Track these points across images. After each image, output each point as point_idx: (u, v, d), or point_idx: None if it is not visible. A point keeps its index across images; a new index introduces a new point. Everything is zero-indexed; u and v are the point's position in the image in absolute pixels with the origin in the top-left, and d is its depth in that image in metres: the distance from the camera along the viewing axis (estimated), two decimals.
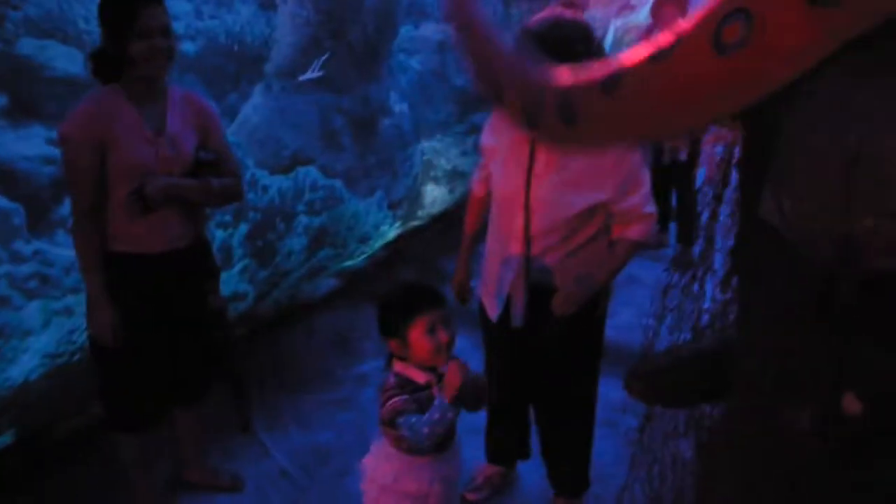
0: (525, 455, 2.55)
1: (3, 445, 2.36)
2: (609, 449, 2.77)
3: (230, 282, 2.94)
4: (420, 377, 1.74)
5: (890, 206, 0.90)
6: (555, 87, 1.11)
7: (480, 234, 2.28)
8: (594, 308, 2.09)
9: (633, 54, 1.05)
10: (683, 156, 4.26)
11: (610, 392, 3.16)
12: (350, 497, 2.18)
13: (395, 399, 1.69)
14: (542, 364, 2.18)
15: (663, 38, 1.05)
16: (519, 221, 1.99)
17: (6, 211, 2.12)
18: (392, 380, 1.73)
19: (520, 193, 1.98)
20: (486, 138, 2.12)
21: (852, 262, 0.97)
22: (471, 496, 2.51)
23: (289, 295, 3.62)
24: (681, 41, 1.00)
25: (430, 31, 4.38)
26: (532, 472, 2.58)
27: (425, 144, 4.23)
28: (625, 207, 1.93)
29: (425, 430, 1.65)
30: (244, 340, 3.38)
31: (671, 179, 4.40)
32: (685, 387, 1.42)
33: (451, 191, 4.63)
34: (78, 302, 2.31)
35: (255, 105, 3.00)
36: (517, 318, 2.11)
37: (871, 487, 1.01)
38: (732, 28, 0.96)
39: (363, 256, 4.18)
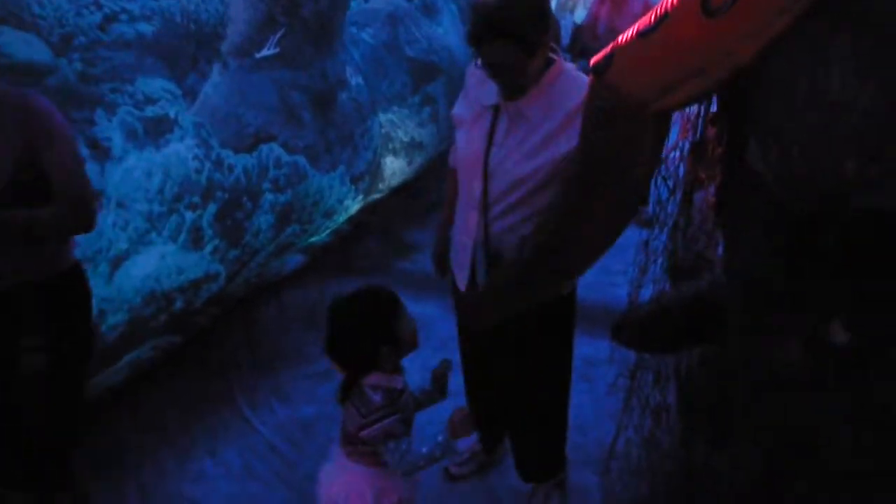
0: (499, 433, 2.56)
1: None
2: (586, 402, 2.88)
3: (202, 263, 2.93)
4: (398, 382, 1.73)
5: (871, 149, 0.98)
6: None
7: None
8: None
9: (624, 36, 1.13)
10: None
11: (587, 349, 3.29)
12: None
13: (388, 421, 1.65)
14: (507, 336, 2.15)
15: (646, 19, 1.13)
16: (478, 187, 2.01)
17: None
18: (378, 398, 1.66)
19: (479, 160, 1.99)
20: (457, 108, 2.14)
21: (836, 204, 1.05)
22: (454, 470, 2.53)
23: (257, 273, 3.62)
24: (669, 14, 1.07)
25: (381, 3, 4.37)
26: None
27: (382, 117, 4.24)
28: None
29: (420, 463, 1.67)
30: (218, 321, 3.38)
31: None
32: (672, 332, 1.50)
33: (409, 162, 4.65)
34: None
35: (214, 84, 2.97)
36: (479, 287, 2.10)
37: (856, 410, 1.11)
38: None
39: (328, 231, 4.18)
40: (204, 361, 3.22)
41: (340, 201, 3.94)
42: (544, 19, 1.84)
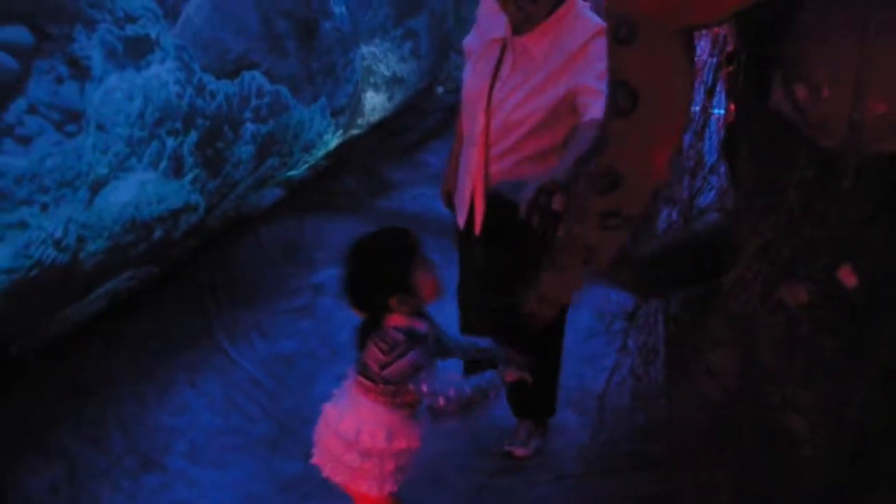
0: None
1: None
2: (571, 345, 2.90)
3: (182, 193, 2.86)
4: (423, 326, 1.68)
5: None
6: None
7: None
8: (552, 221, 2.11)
9: None
10: None
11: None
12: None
13: (412, 354, 1.62)
14: (502, 276, 2.09)
15: None
16: (481, 122, 1.99)
17: None
18: (400, 336, 1.63)
19: (483, 96, 1.97)
20: (468, 39, 2.09)
21: (860, 145, 1.04)
22: (519, 451, 2.41)
23: (235, 206, 3.55)
24: None
25: None
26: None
27: (364, 49, 4.12)
28: (581, 88, 1.88)
29: (467, 396, 1.62)
30: (196, 253, 3.32)
31: None
32: (676, 271, 1.50)
33: (389, 98, 4.56)
34: (32, 214, 2.21)
35: (197, 5, 2.85)
36: (478, 225, 2.09)
37: (866, 353, 1.12)
38: None
39: (306, 166, 4.11)
40: (182, 295, 3.16)
41: (320, 135, 3.86)
42: None
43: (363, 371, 1.70)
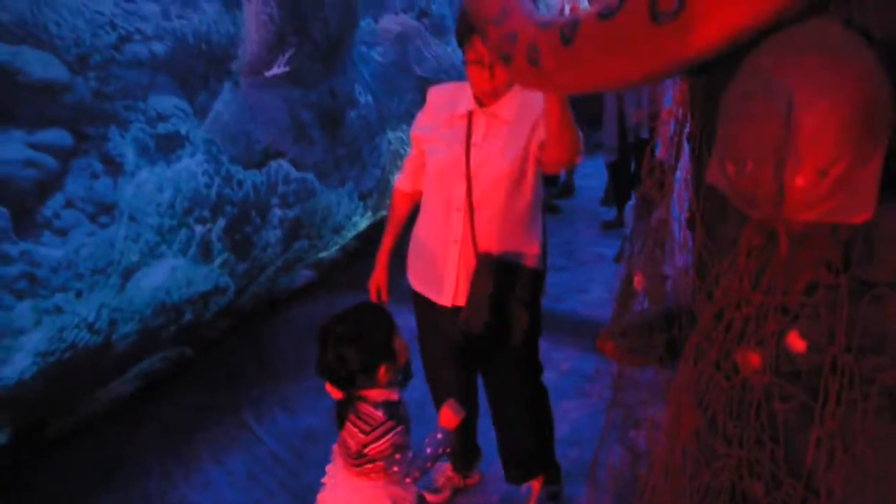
0: (474, 453, 2.58)
1: (1, 443, 2.42)
2: (583, 417, 2.92)
3: (211, 276, 3.02)
4: (395, 395, 1.72)
5: (818, 163, 1.04)
6: (527, 30, 1.25)
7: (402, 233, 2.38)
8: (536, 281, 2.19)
9: (588, 11, 1.18)
10: (645, 133, 4.39)
11: (583, 365, 3.34)
12: None
13: (393, 434, 1.66)
14: (489, 339, 2.16)
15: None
16: (461, 188, 2.07)
17: None
18: (380, 413, 1.66)
19: (459, 163, 2.06)
20: (417, 129, 2.19)
21: (786, 216, 1.10)
22: (431, 498, 2.50)
23: (267, 287, 3.70)
24: (624, 2, 1.12)
25: (390, 23, 4.47)
26: (496, 468, 2.53)
27: (391, 135, 4.32)
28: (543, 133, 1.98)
29: (427, 464, 1.70)
30: (228, 334, 3.46)
31: (634, 156, 4.54)
32: (653, 343, 1.55)
33: None
34: (67, 300, 2.38)
35: (225, 102, 3.07)
36: (461, 294, 2.12)
37: (819, 416, 1.15)
38: None
39: (337, 247, 4.26)
40: (212, 373, 3.28)
41: (349, 217, 4.02)
42: None
43: (347, 453, 1.71)
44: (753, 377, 1.21)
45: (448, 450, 1.76)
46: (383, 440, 1.65)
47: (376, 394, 1.68)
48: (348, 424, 1.69)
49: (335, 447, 1.80)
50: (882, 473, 1.09)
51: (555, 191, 5.50)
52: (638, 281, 1.73)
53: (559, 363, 3.37)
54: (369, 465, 1.69)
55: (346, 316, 1.71)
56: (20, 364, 2.30)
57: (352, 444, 1.69)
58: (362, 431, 1.66)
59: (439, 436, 1.72)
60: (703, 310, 1.29)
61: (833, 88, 1.01)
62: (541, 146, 1.99)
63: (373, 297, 2.35)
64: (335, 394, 1.70)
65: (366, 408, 1.67)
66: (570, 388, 3.15)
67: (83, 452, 2.71)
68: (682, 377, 1.29)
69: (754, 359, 1.22)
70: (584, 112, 4.74)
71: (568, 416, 2.93)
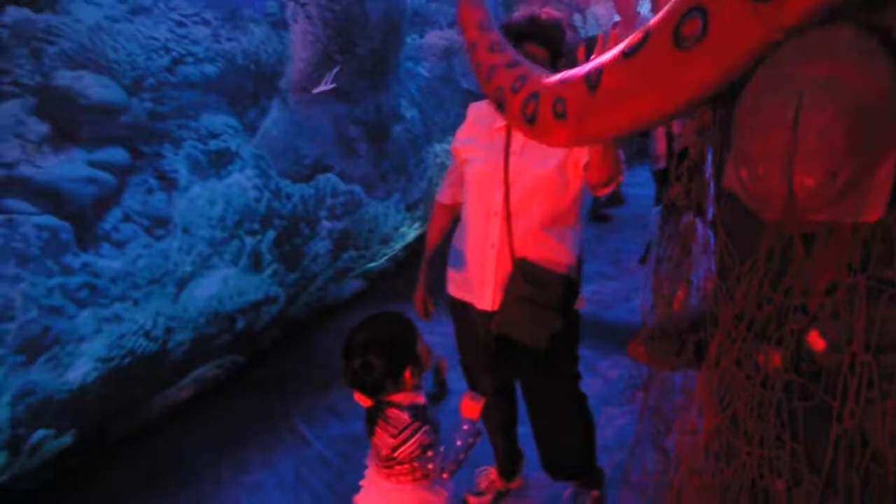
0: (517, 460, 2.63)
1: (64, 446, 2.55)
2: (629, 422, 2.91)
3: (262, 286, 3.13)
4: (421, 398, 1.77)
5: (826, 165, 1.05)
6: (549, 87, 1.28)
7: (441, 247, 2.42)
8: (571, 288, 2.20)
9: (611, 53, 1.21)
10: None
11: (622, 370, 3.34)
12: None
13: (420, 434, 1.70)
14: (523, 345, 2.19)
15: (635, 36, 1.21)
16: (499, 194, 2.12)
17: (55, 228, 2.31)
18: (406, 415, 1.71)
19: (499, 171, 2.12)
20: (457, 142, 2.26)
21: (797, 216, 1.12)
22: (474, 500, 2.56)
23: (317, 297, 3.80)
24: (648, 36, 1.16)
25: (435, 38, 4.55)
26: (540, 473, 2.55)
27: (437, 147, 4.39)
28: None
29: (461, 456, 1.74)
30: (279, 343, 3.56)
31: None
32: (682, 347, 1.56)
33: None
34: (125, 309, 2.51)
35: (274, 119, 3.18)
36: (496, 299, 2.17)
37: (838, 414, 1.15)
38: (691, 24, 1.12)
39: (385, 258, 4.35)
40: (264, 380, 3.39)
41: (396, 228, 4.10)
42: (565, 38, 2.04)
43: (378, 459, 1.76)
44: (774, 376, 1.22)
45: (478, 438, 1.80)
46: (411, 441, 1.70)
47: (403, 397, 1.73)
48: (378, 430, 1.75)
49: (369, 452, 1.86)
50: None
51: (604, 199, 5.49)
52: (679, 297, 1.75)
53: (605, 371, 3.37)
54: (398, 468, 1.74)
55: (367, 324, 1.78)
56: (82, 369, 2.43)
57: (382, 448, 1.74)
58: (391, 435, 1.71)
59: (465, 427, 1.77)
60: (724, 310, 1.31)
61: (841, 92, 1.02)
62: (585, 167, 2.04)
63: (420, 312, 2.41)
64: (364, 402, 1.77)
65: (393, 412, 1.73)
66: (615, 395, 3.15)
67: (141, 456, 2.84)
68: (704, 376, 1.30)
69: (775, 358, 1.23)
70: None
71: (613, 423, 2.93)
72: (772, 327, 1.23)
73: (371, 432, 1.78)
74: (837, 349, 1.16)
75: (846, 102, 1.01)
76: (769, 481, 1.16)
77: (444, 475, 1.75)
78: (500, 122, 2.12)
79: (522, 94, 1.28)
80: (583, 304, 2.31)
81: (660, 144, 4.32)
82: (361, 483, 1.89)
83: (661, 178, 4.68)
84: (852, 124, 1.01)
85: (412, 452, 1.71)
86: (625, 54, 1.18)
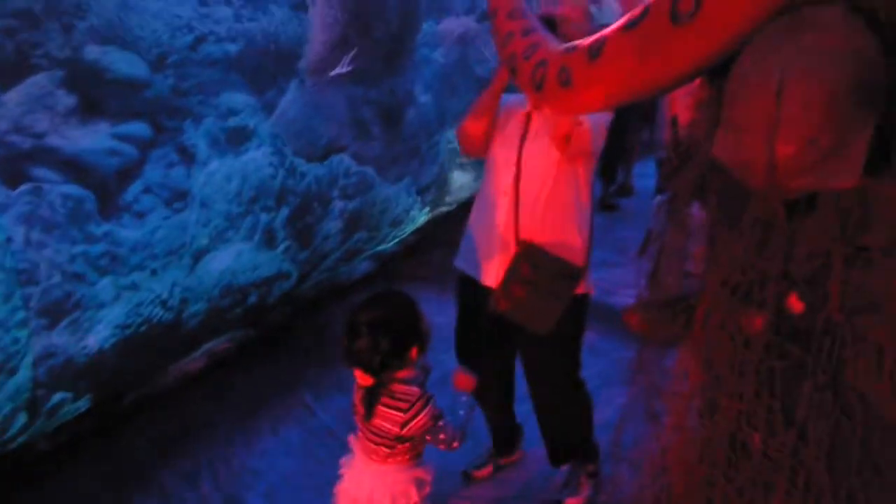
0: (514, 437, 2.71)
1: (81, 409, 2.66)
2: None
3: (274, 262, 3.22)
4: (418, 373, 1.80)
5: (806, 133, 1.12)
6: (556, 55, 1.36)
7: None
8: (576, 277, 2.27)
9: (614, 25, 1.29)
10: None
11: (629, 355, 3.40)
12: None
13: (431, 406, 1.74)
14: (521, 326, 2.27)
15: (636, 10, 1.29)
16: (510, 176, 2.23)
17: (79, 197, 2.41)
18: (415, 388, 1.73)
19: (513, 152, 2.24)
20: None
21: (778, 183, 1.19)
22: (474, 473, 2.65)
23: (328, 276, 3.89)
24: (647, 11, 1.23)
25: (451, 25, 4.62)
26: (539, 447, 2.64)
27: (450, 133, 4.47)
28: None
29: (465, 424, 1.81)
30: (290, 319, 3.66)
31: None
32: (675, 316, 1.63)
33: (476, 177, 4.86)
34: (143, 278, 2.60)
35: (291, 99, 3.26)
36: (498, 276, 2.25)
37: (812, 371, 1.23)
38: (686, 0, 1.20)
39: (395, 241, 4.43)
40: (274, 354, 3.49)
41: (407, 211, 4.18)
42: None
43: (378, 438, 1.77)
44: (755, 337, 1.29)
45: (472, 411, 1.86)
46: (423, 413, 1.73)
47: (406, 373, 1.76)
48: (381, 409, 1.75)
49: (354, 439, 1.87)
50: (869, 424, 1.16)
51: (614, 189, 5.56)
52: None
53: (608, 353, 3.45)
54: (401, 447, 1.76)
55: (372, 303, 1.78)
56: (101, 335, 2.53)
57: (388, 427, 1.74)
58: (401, 410, 1.73)
59: (463, 398, 1.84)
60: (711, 276, 1.38)
61: (825, 64, 1.09)
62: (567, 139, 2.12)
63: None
64: (364, 380, 1.75)
65: (400, 388, 1.74)
66: (616, 375, 3.22)
67: (156, 421, 2.95)
68: (691, 338, 1.38)
69: (757, 321, 1.31)
70: (640, 111, 4.79)
71: (612, 402, 2.99)
72: (755, 291, 1.30)
73: (371, 413, 1.76)
74: (814, 311, 1.24)
75: (829, 74, 1.08)
76: (747, 434, 1.23)
77: (455, 444, 1.79)
78: (522, 110, 2.23)
79: (533, 60, 1.37)
80: (588, 290, 2.37)
81: (666, 133, 4.38)
82: (341, 472, 1.90)
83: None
84: (834, 95, 1.08)
85: (424, 424, 1.74)
86: (625, 27, 1.26)
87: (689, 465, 1.32)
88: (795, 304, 1.25)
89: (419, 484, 1.84)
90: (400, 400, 1.73)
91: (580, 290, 2.29)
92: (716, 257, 1.38)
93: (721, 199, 1.41)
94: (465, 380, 1.88)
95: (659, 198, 3.86)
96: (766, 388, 1.23)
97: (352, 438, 1.93)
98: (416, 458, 1.84)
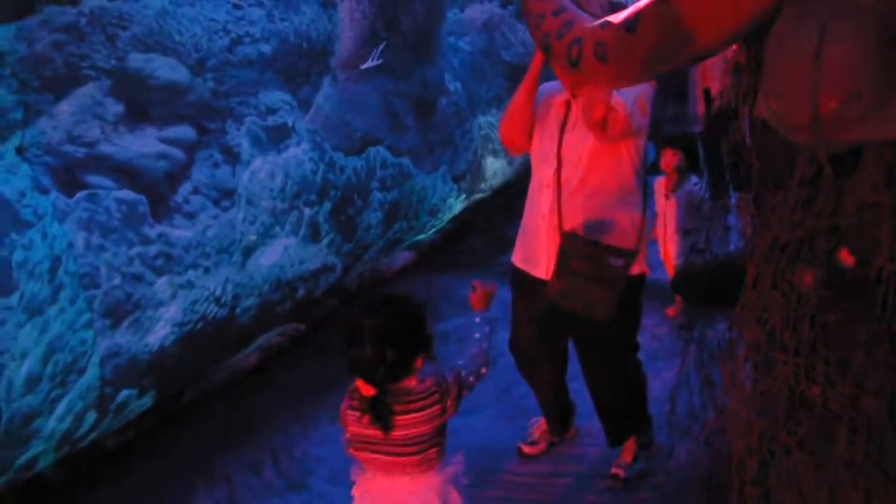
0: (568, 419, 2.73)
1: (145, 406, 2.76)
2: (675, 377, 3.00)
3: (320, 255, 3.29)
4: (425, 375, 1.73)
5: (849, 88, 1.15)
6: (591, 32, 1.40)
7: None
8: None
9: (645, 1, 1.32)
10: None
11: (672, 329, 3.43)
12: None
13: (449, 383, 1.67)
14: (575, 314, 2.26)
15: None
16: (552, 165, 2.27)
17: (133, 201, 2.50)
18: (429, 381, 1.66)
19: (554, 142, 2.28)
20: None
21: (825, 137, 1.22)
22: (527, 450, 2.67)
23: (370, 267, 3.96)
24: None
25: (476, 12, 4.65)
26: (593, 423, 2.65)
27: (482, 119, 4.51)
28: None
29: (486, 345, 1.78)
30: (337, 311, 3.74)
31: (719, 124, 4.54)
32: (719, 287, 1.67)
33: (509, 163, 4.89)
34: (197, 276, 2.69)
35: (325, 95, 3.33)
36: (549, 269, 2.27)
37: (863, 320, 1.25)
38: None
39: (434, 230, 4.48)
40: (324, 346, 3.57)
41: (444, 199, 4.23)
42: None
43: (408, 447, 1.67)
44: (808, 293, 1.32)
45: (492, 327, 1.84)
46: (455, 378, 1.70)
47: (409, 383, 1.66)
48: (398, 419, 1.64)
49: (365, 462, 1.75)
50: None
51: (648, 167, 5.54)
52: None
53: (652, 328, 3.48)
54: (434, 450, 1.68)
55: (377, 310, 1.66)
56: (161, 333, 2.63)
57: (417, 430, 1.65)
58: (434, 403, 1.65)
59: (477, 320, 1.82)
60: (761, 236, 1.41)
61: (861, 23, 1.12)
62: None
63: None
64: (367, 390, 1.65)
65: (418, 387, 1.66)
66: (661, 350, 3.25)
67: (216, 415, 3.04)
68: (744, 298, 1.40)
69: (808, 277, 1.33)
70: (671, 86, 4.77)
71: (660, 376, 3.01)
72: (804, 248, 1.33)
73: (388, 426, 1.64)
74: (865, 263, 1.26)
75: (865, 32, 1.11)
76: (805, 387, 1.26)
77: (483, 371, 1.76)
78: (562, 97, 2.25)
79: (567, 39, 1.40)
80: (642, 270, 2.36)
81: (699, 106, 4.37)
82: (354, 493, 1.79)
83: (701, 141, 4.71)
84: (871, 52, 1.10)
85: (456, 396, 1.69)
86: (659, 1, 1.29)
87: (747, 422, 1.35)
88: (846, 258, 1.28)
89: (457, 481, 1.77)
90: (426, 398, 1.65)
91: (635, 271, 2.28)
92: (764, 218, 1.41)
93: (764, 161, 1.44)
94: (478, 297, 1.85)
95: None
96: (821, 341, 1.25)
97: (356, 470, 1.80)
98: (444, 454, 1.75)
